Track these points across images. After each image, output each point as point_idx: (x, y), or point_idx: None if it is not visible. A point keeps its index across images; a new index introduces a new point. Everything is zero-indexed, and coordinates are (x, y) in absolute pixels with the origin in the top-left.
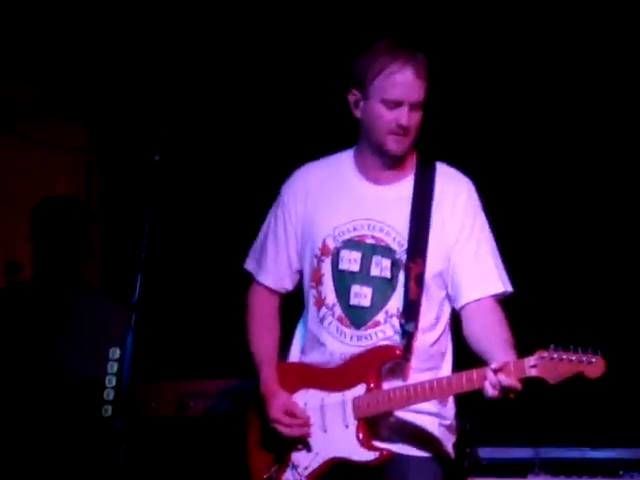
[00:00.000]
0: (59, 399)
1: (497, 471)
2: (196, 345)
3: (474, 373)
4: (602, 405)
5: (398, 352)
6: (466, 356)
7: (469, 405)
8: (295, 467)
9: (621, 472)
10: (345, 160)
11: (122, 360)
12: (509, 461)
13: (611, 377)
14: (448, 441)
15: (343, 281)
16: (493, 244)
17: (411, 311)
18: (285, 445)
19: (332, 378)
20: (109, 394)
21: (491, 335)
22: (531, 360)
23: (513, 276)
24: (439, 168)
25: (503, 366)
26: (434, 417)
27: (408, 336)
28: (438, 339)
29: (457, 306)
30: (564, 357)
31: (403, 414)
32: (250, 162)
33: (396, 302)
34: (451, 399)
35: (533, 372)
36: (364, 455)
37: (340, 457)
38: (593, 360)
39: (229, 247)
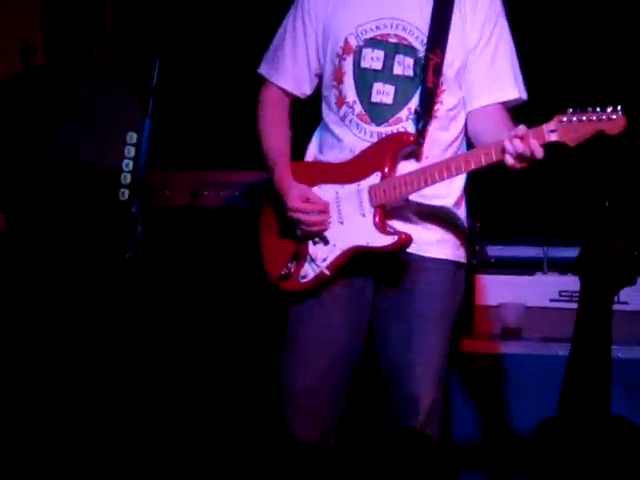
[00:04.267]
0: (72, 182)
1: (505, 268)
2: (212, 134)
3: (491, 147)
4: (612, 206)
5: (412, 138)
6: None
7: (478, 202)
8: (313, 260)
9: None
10: None
11: (139, 145)
12: (517, 259)
13: (618, 178)
14: (462, 245)
15: (365, 79)
16: (512, 51)
17: (428, 99)
18: (302, 239)
19: (346, 171)
20: (126, 178)
21: (498, 131)
22: (550, 125)
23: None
24: None
25: (522, 134)
26: (449, 211)
27: (423, 121)
28: (454, 141)
29: (468, 108)
30: (583, 118)
31: (419, 206)
32: None
33: (419, 99)
34: (464, 203)
35: (553, 137)
36: (383, 240)
37: (359, 245)
38: (613, 117)
39: (249, 36)
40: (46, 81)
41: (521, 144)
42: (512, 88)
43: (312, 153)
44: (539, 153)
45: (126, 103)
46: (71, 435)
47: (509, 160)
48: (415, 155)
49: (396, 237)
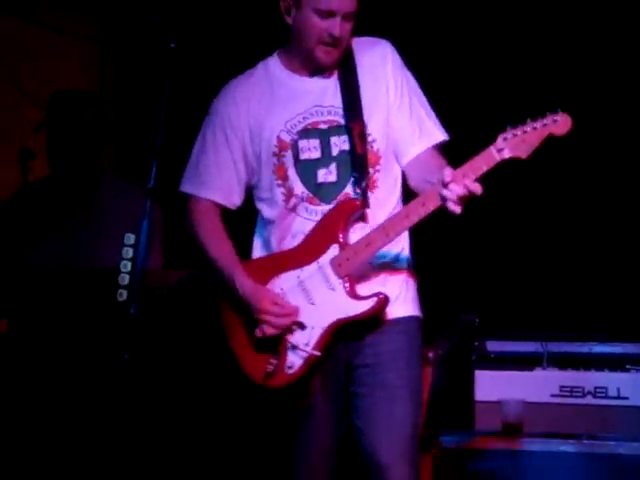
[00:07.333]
0: (71, 285)
1: (505, 364)
2: None
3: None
4: (610, 301)
5: (357, 202)
6: None
7: (477, 298)
8: (295, 347)
9: (628, 366)
10: (271, 63)
11: (137, 246)
12: (517, 354)
13: (618, 274)
14: (417, 299)
15: (307, 168)
16: (423, 98)
17: (361, 163)
18: (277, 335)
19: (300, 254)
20: (124, 279)
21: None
22: (497, 144)
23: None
24: (354, 41)
25: (450, 179)
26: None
27: (364, 184)
28: (397, 203)
29: (403, 163)
30: (528, 128)
31: (378, 266)
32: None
33: (354, 166)
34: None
35: (505, 154)
36: (362, 306)
37: (339, 318)
38: (557, 118)
39: None
40: (56, 191)
41: (457, 186)
42: (436, 132)
43: (259, 254)
44: (476, 189)
45: (137, 201)
46: None
47: (451, 207)
48: (363, 218)
49: (375, 299)
